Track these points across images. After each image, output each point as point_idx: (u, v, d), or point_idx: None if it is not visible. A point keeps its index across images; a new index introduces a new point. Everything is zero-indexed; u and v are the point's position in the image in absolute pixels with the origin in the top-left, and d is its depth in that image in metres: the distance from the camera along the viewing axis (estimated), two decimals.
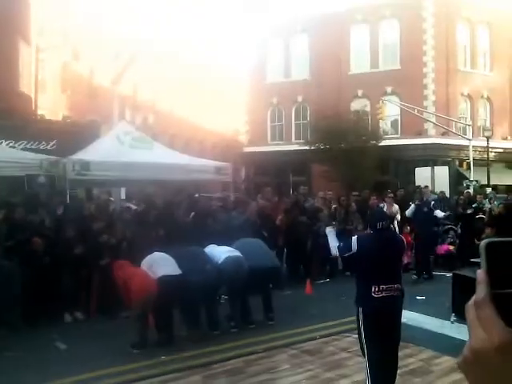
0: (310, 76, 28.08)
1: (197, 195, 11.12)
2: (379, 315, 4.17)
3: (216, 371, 5.35)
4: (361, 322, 4.26)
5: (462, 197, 13.35)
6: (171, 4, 25.42)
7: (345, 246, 4.50)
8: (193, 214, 9.08)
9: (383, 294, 4.15)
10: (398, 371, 4.32)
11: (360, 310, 4.27)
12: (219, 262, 6.64)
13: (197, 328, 6.43)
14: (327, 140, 22.93)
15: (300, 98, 28.82)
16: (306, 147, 24.00)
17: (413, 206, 11.12)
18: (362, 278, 4.34)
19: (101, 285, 7.49)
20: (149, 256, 6.35)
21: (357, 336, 6.35)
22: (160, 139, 13.62)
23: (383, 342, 4.22)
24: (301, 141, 25.90)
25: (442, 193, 14.14)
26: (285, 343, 6.22)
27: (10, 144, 10.54)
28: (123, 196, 13.25)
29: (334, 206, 11.69)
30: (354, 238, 4.41)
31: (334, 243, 4.71)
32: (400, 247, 4.60)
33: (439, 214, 11.11)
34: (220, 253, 6.80)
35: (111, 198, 11.18)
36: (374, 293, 4.14)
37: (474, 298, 0.59)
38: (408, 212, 11.15)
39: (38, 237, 7.34)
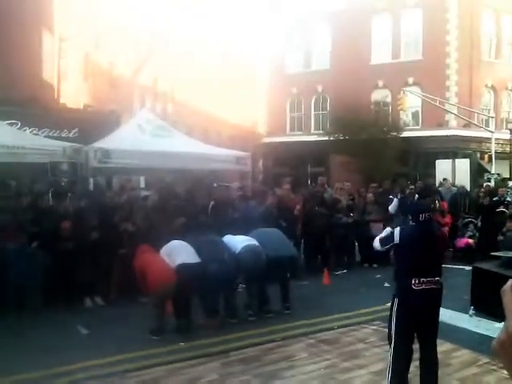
0: (330, 66, 27.85)
1: (215, 185, 11.17)
2: (418, 307, 4.18)
3: (233, 359, 5.41)
4: (394, 311, 4.26)
5: (482, 189, 13.13)
6: None
7: (386, 238, 4.47)
8: (212, 203, 9.13)
9: (423, 287, 4.15)
10: (416, 363, 4.33)
11: (396, 300, 4.28)
12: (237, 251, 6.69)
13: (215, 316, 6.50)
14: (347, 131, 22.78)
15: (320, 89, 28.62)
16: (326, 138, 23.89)
17: (395, 200, 10.22)
18: (403, 269, 4.32)
19: (121, 270, 7.61)
20: (168, 244, 6.42)
21: (375, 328, 6.43)
22: (179, 129, 13.68)
23: (419, 335, 4.26)
24: (320, 131, 25.79)
25: (462, 187, 13.93)
26: (302, 332, 6.25)
27: (34, 131, 10.72)
28: (143, 184, 13.39)
29: (350, 197, 11.59)
30: (397, 230, 4.38)
31: (378, 236, 4.69)
32: (442, 240, 4.59)
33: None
34: (237, 242, 6.84)
35: (133, 187, 11.30)
36: (414, 285, 4.14)
37: (510, 281, 0.60)
38: (391, 207, 10.29)
39: (68, 221, 7.49)
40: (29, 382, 4.77)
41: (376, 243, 4.56)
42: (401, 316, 4.22)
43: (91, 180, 9.15)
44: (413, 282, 4.14)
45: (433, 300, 4.26)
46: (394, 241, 4.33)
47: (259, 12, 29.23)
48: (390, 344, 4.33)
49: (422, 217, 4.32)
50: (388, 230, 4.70)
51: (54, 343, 5.86)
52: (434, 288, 4.22)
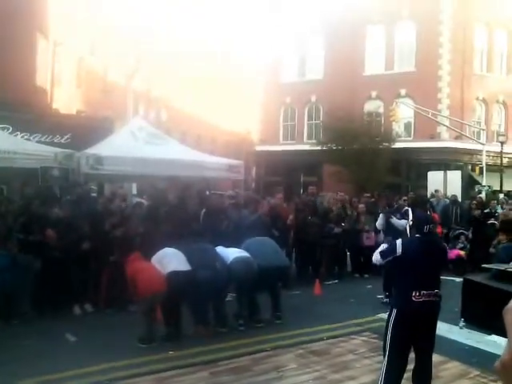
0: (324, 76, 28.03)
1: (208, 192, 11.15)
2: (416, 319, 4.17)
3: (223, 368, 5.36)
4: (391, 322, 4.24)
5: (474, 201, 13.20)
6: (187, 2, 25.46)
7: (389, 251, 4.43)
8: (204, 210, 9.10)
9: (423, 299, 4.15)
10: (405, 375, 4.32)
11: (395, 311, 4.26)
12: (228, 262, 6.67)
13: (205, 324, 6.46)
14: (339, 141, 22.89)
15: (313, 98, 28.78)
16: (318, 147, 23.98)
17: (382, 215, 9.49)
18: (403, 281, 4.30)
19: (110, 278, 7.55)
20: (159, 251, 6.39)
21: (365, 338, 6.41)
22: (172, 135, 13.67)
23: (415, 347, 4.25)
24: (313, 141, 25.89)
25: (455, 196, 14.01)
26: (292, 343, 6.22)
27: (25, 136, 10.65)
28: (135, 191, 13.33)
29: (338, 206, 11.43)
30: (399, 242, 4.35)
31: (378, 250, 4.64)
32: (443, 254, 4.59)
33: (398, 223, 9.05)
34: (229, 254, 6.82)
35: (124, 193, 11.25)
36: (415, 297, 4.14)
37: None
38: (378, 224, 9.69)
39: (51, 229, 7.42)
40: None
41: (377, 256, 4.50)
42: (398, 328, 4.20)
43: (84, 186, 9.08)
44: (413, 294, 4.13)
45: (431, 312, 4.26)
46: (396, 253, 4.29)
47: (255, 21, 29.39)
48: (384, 355, 4.31)
49: (426, 228, 4.32)
50: (386, 243, 4.65)
51: (41, 351, 5.78)
52: (433, 301, 4.22)
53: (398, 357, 4.21)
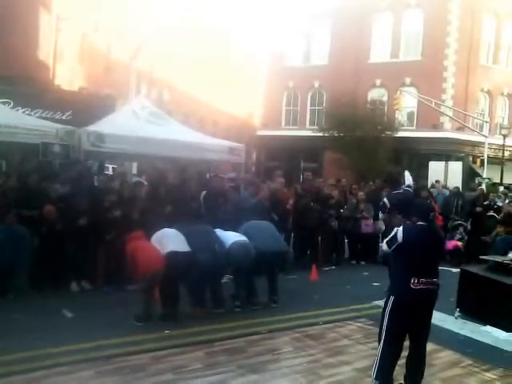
0: (328, 62, 27.81)
1: (208, 175, 11.12)
2: (414, 306, 4.17)
3: (218, 349, 5.40)
4: (388, 309, 4.25)
5: (475, 193, 13.15)
6: None
7: (392, 239, 4.35)
8: (204, 192, 9.08)
9: (421, 286, 4.14)
10: (398, 362, 4.36)
11: (392, 298, 4.25)
12: (227, 246, 6.67)
13: (201, 305, 6.49)
14: (342, 127, 22.81)
15: (317, 84, 28.60)
16: (320, 134, 23.89)
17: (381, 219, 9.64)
18: (402, 268, 4.27)
19: (108, 256, 7.56)
20: (159, 231, 6.39)
21: (360, 325, 6.45)
22: (174, 116, 13.58)
23: (411, 334, 4.27)
24: (315, 127, 25.80)
25: (457, 188, 13.97)
26: (288, 326, 6.25)
27: (26, 112, 10.59)
28: (135, 170, 13.30)
29: (335, 192, 11.31)
30: (400, 229, 4.30)
31: (385, 240, 4.58)
32: (442, 243, 4.61)
33: None
34: (227, 237, 6.82)
35: (124, 172, 11.22)
36: (413, 284, 4.12)
37: None
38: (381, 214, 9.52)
39: (51, 205, 7.40)
40: (11, 363, 4.73)
41: (384, 247, 4.47)
42: (395, 315, 4.21)
43: (84, 163, 9.04)
44: (412, 281, 4.13)
45: (429, 300, 4.27)
46: (397, 240, 4.26)
47: (260, 4, 29.06)
48: (380, 341, 4.33)
49: (431, 216, 4.36)
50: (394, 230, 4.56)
51: (37, 325, 5.81)
52: (431, 288, 4.22)
53: (393, 344, 4.23)
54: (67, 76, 18.44)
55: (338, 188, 11.69)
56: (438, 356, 5.44)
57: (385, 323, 4.28)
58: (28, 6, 15.37)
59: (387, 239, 4.48)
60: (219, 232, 6.97)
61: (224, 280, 7.16)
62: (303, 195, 10.51)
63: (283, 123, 30.08)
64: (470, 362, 5.34)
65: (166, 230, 6.49)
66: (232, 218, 8.14)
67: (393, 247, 4.33)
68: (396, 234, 4.30)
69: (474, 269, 7.45)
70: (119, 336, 5.55)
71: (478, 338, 6.17)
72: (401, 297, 4.23)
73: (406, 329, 4.27)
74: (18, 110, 10.38)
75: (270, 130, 28.95)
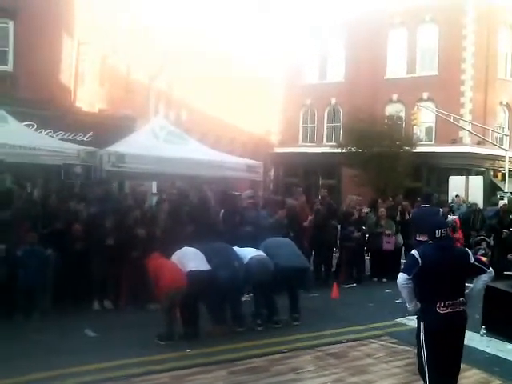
0: (344, 78, 27.89)
1: (227, 193, 11.17)
2: (445, 332, 3.89)
3: (240, 368, 5.36)
4: (422, 340, 3.94)
5: (497, 207, 12.95)
6: (209, 4, 25.58)
7: (410, 264, 4.00)
8: (222, 211, 9.12)
9: (449, 310, 3.87)
10: None
11: (422, 325, 3.97)
12: (245, 261, 6.67)
13: (222, 324, 6.47)
14: (359, 143, 22.75)
15: (334, 101, 28.66)
16: (338, 150, 23.85)
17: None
18: (425, 292, 3.97)
19: (131, 276, 7.61)
20: (179, 250, 6.42)
21: (383, 343, 6.35)
22: (192, 136, 13.73)
23: (446, 362, 3.93)
24: (332, 143, 25.79)
25: (475, 204, 13.77)
26: (310, 345, 6.19)
27: (49, 133, 10.83)
28: (154, 190, 13.42)
29: (360, 209, 11.38)
30: (415, 252, 3.99)
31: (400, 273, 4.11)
32: (463, 258, 4.06)
33: None
34: (245, 253, 6.83)
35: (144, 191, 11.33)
36: (439, 308, 3.86)
37: None
38: None
39: (78, 224, 7.52)
40: (35, 383, 4.77)
41: (401, 277, 3.99)
42: (431, 348, 3.90)
43: (108, 184, 9.18)
44: (438, 305, 3.85)
45: (459, 323, 3.98)
46: (419, 263, 3.91)
47: (276, 21, 29.38)
48: (424, 378, 3.97)
49: (438, 233, 3.99)
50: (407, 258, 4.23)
51: (60, 345, 5.86)
52: (460, 312, 3.94)
53: (439, 375, 3.89)
54: (88, 98, 18.81)
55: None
56: (465, 375, 5.30)
57: (424, 356, 3.94)
58: (51, 32, 15.82)
59: (403, 268, 4.10)
60: (237, 249, 6.98)
61: (244, 298, 7.14)
62: (320, 212, 10.47)
63: (301, 140, 30.15)
64: (499, 382, 5.20)
65: (186, 248, 6.52)
66: (250, 235, 8.14)
67: (414, 271, 3.93)
68: (415, 257, 3.96)
69: (499, 285, 7.29)
70: (141, 355, 5.56)
71: (506, 357, 6.00)
72: (430, 323, 3.93)
73: (447, 354, 3.92)
74: (41, 131, 10.62)
75: (287, 147, 29.02)
